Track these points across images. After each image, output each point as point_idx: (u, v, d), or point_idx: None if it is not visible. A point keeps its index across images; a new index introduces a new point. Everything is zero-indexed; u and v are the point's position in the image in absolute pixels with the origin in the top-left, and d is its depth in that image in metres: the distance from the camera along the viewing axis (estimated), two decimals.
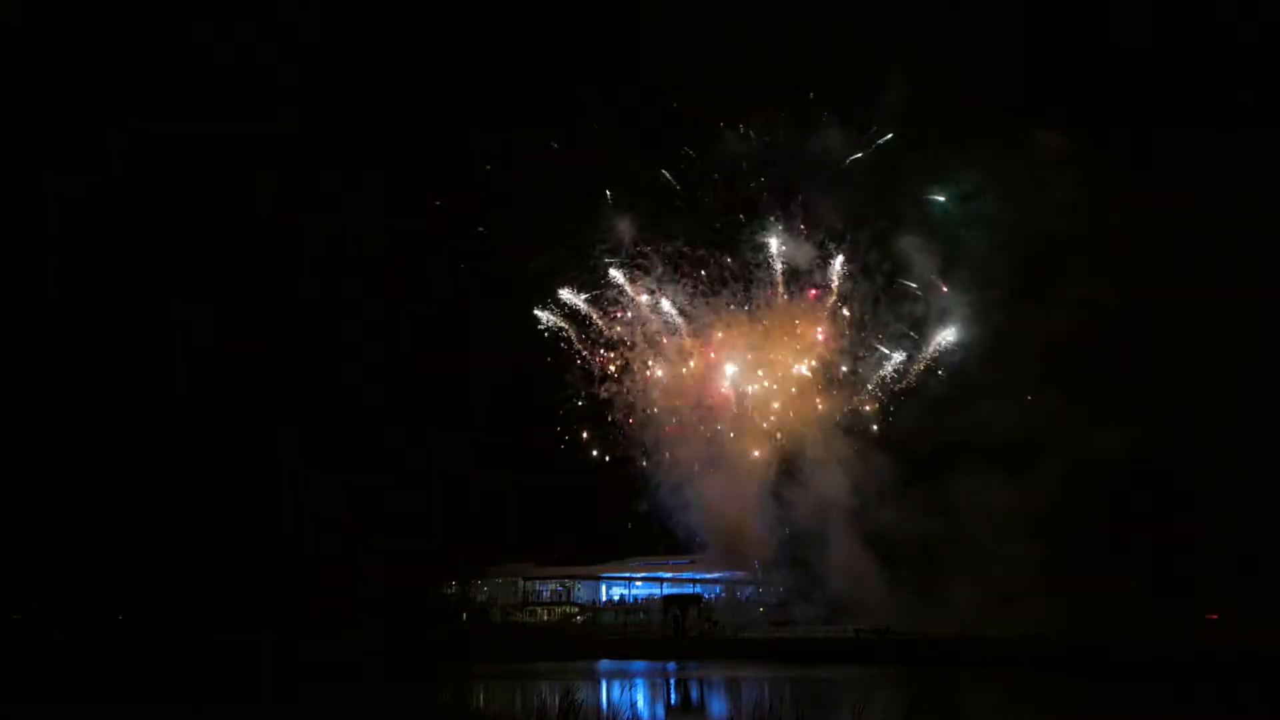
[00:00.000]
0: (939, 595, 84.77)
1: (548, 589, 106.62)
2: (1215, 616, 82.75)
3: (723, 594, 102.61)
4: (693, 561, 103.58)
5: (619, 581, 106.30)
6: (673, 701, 56.02)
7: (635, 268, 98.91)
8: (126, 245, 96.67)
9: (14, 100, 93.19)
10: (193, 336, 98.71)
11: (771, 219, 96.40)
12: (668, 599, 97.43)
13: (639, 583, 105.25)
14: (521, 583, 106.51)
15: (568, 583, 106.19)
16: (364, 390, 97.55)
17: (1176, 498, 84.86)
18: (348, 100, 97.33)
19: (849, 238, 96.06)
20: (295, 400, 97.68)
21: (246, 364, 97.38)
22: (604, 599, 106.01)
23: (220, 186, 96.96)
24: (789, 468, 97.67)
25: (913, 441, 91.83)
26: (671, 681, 65.48)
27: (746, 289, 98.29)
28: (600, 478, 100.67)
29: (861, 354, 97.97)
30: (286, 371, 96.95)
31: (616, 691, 53.54)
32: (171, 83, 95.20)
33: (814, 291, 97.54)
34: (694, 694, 59.12)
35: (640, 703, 48.84)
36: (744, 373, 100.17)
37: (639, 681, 63.05)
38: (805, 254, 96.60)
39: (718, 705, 53.06)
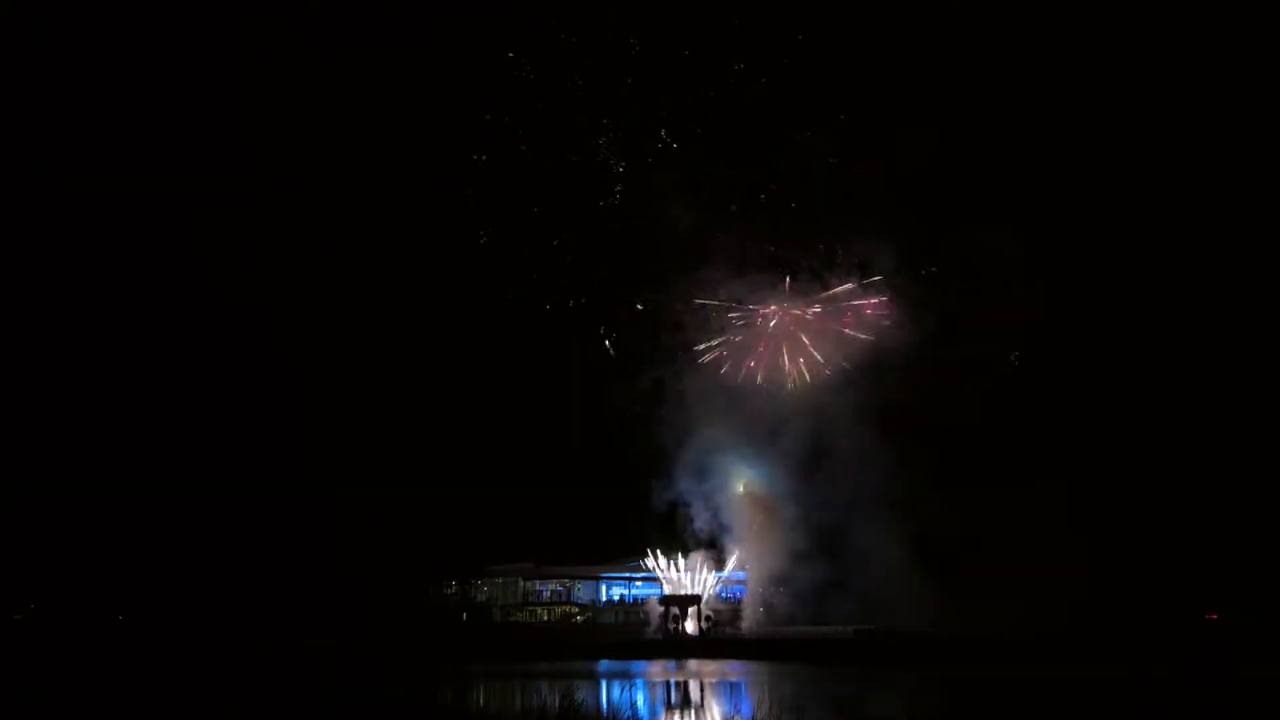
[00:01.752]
0: (941, 594, 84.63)
1: (548, 589, 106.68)
2: (1215, 616, 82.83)
3: (724, 593, 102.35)
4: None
5: (619, 581, 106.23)
6: (673, 701, 56.01)
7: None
8: (132, 244, 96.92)
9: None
10: (197, 335, 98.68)
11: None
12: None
13: (639, 583, 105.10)
14: (521, 583, 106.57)
15: (568, 583, 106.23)
16: (361, 388, 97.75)
17: (1178, 497, 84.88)
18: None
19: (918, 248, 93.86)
20: (293, 399, 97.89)
21: (244, 360, 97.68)
22: (604, 599, 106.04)
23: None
24: (818, 459, 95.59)
25: (938, 440, 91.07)
26: (671, 681, 65.49)
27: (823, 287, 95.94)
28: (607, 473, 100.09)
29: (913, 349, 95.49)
30: (284, 368, 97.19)
31: (616, 691, 53.58)
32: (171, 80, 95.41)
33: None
34: (694, 694, 59.08)
35: (640, 703, 48.84)
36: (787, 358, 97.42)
37: (639, 681, 63.08)
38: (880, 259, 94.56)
39: (718, 705, 53.08)
